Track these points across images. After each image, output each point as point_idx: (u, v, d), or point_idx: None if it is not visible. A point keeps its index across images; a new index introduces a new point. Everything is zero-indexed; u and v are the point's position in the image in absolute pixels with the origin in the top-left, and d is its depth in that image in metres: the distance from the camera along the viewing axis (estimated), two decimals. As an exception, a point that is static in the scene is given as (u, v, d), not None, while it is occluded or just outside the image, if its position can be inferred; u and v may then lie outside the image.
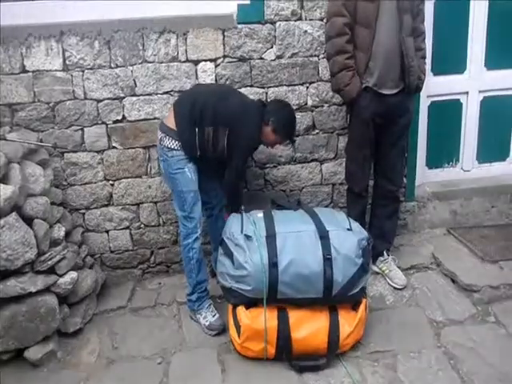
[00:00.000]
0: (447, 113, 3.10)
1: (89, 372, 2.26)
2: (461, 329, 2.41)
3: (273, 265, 2.11)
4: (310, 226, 2.23)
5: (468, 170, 3.22)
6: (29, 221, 2.28)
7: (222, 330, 2.42)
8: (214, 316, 2.47)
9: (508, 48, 3.04)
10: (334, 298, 2.16)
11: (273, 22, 2.67)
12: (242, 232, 2.22)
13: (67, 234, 2.55)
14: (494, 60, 3.05)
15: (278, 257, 2.12)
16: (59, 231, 2.43)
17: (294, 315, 2.18)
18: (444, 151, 3.18)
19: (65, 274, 2.37)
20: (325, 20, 2.58)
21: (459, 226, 3.10)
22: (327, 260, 2.13)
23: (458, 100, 3.12)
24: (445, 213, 3.11)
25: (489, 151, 3.20)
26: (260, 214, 2.35)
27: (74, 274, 2.40)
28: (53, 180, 2.59)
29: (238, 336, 2.20)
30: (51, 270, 2.33)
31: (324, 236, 2.18)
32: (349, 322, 2.20)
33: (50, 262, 2.31)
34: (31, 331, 2.25)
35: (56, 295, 2.33)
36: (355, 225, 2.32)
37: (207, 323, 2.45)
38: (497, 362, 2.17)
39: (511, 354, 2.21)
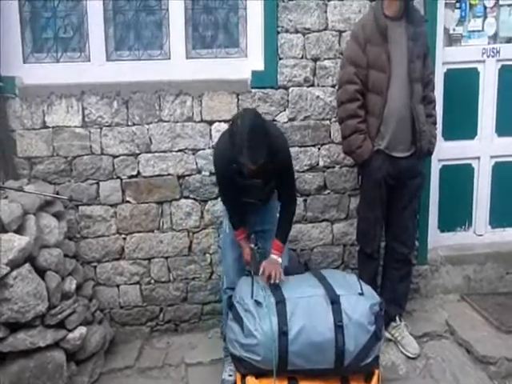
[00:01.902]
0: (459, 177, 3.12)
1: None
2: (477, 404, 2.30)
3: (283, 333, 2.04)
4: (319, 289, 2.18)
5: (481, 235, 3.18)
6: (41, 272, 2.29)
7: None
8: (229, 376, 2.41)
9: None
10: (346, 368, 2.08)
11: (286, 88, 2.76)
12: (252, 297, 2.17)
13: (78, 288, 2.55)
14: (505, 127, 3.09)
15: (288, 324, 2.06)
16: (71, 284, 2.43)
17: (305, 386, 2.09)
18: (456, 215, 3.16)
19: (74, 328, 2.34)
20: (337, 87, 2.67)
21: (473, 291, 3.03)
22: (338, 327, 2.06)
23: (470, 165, 3.14)
24: (458, 278, 3.05)
25: (502, 216, 3.18)
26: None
27: (83, 330, 2.36)
28: (67, 232, 2.62)
29: None
30: (60, 325, 2.30)
31: (335, 301, 2.12)
32: (361, 397, 2.11)
33: (60, 316, 2.29)
34: (38, 388, 2.21)
35: (64, 351, 2.29)
36: (366, 288, 2.26)
37: (222, 378, 2.43)
38: None
39: None
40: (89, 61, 2.72)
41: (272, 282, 2.19)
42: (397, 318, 2.70)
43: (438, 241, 3.14)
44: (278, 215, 2.38)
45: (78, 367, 2.39)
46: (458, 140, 3.07)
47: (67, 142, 2.70)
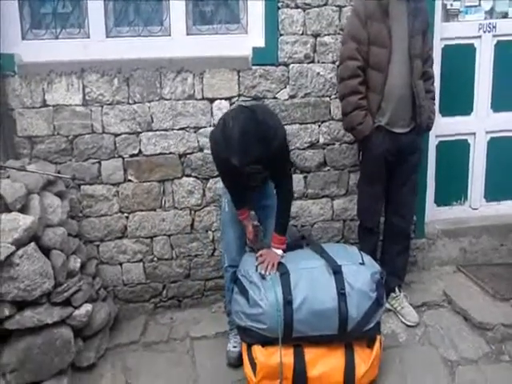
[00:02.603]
0: (455, 152, 3.17)
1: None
2: (475, 368, 2.40)
3: (287, 303, 2.12)
4: (321, 261, 2.25)
5: (476, 208, 3.26)
6: (46, 251, 2.29)
7: (234, 365, 2.42)
8: (234, 347, 2.47)
9: (513, 91, 3.15)
10: (349, 334, 2.16)
11: (286, 65, 2.77)
12: (256, 270, 2.23)
13: (82, 266, 2.55)
14: (500, 102, 3.13)
15: (292, 294, 2.13)
16: (75, 263, 2.45)
17: (309, 352, 2.17)
18: (452, 189, 3.23)
19: (80, 306, 2.36)
20: (337, 63, 2.69)
21: (469, 263, 3.12)
22: (341, 295, 2.14)
23: (466, 140, 3.19)
24: (454, 250, 3.13)
25: (496, 190, 3.25)
26: None
27: (89, 307, 2.39)
28: (69, 211, 2.62)
29: (254, 374, 2.18)
30: (67, 302, 2.32)
31: (337, 271, 2.20)
32: (364, 361, 2.19)
33: (66, 294, 2.30)
34: (46, 365, 2.23)
35: (71, 328, 2.31)
36: (367, 258, 2.35)
37: (227, 349, 2.48)
38: (515, 403, 2.16)
39: (529, 396, 2.20)
40: (88, 37, 2.68)
41: (266, 272, 2.22)
42: (396, 289, 2.77)
43: (435, 215, 3.20)
44: None
45: (84, 343, 2.42)
46: (454, 116, 3.12)
47: (68, 120, 2.68)
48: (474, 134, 3.17)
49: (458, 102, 3.10)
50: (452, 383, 2.32)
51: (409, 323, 2.67)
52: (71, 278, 2.38)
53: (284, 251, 2.34)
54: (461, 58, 3.04)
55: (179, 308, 2.95)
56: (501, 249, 3.14)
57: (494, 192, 3.25)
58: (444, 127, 3.08)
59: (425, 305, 2.82)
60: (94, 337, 2.48)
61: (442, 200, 3.23)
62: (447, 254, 3.13)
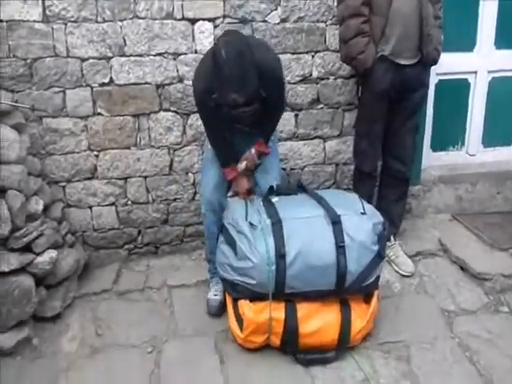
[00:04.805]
0: (455, 93, 2.95)
1: (69, 361, 2.00)
2: (474, 319, 2.26)
3: (280, 256, 1.87)
4: (319, 210, 2.00)
5: (473, 155, 3.08)
6: (1, 192, 2.02)
7: (214, 314, 2.23)
8: (215, 295, 2.27)
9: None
10: (347, 289, 1.95)
11: (279, -20, 2.44)
12: (246, 219, 1.97)
13: (45, 209, 2.30)
14: (504, 39, 2.90)
15: (285, 246, 1.89)
16: (37, 205, 2.18)
17: (302, 308, 1.96)
18: (450, 134, 3.03)
19: (43, 252, 2.13)
20: (337, -20, 2.37)
21: (464, 212, 2.97)
22: (340, 248, 1.90)
23: (466, 79, 2.97)
24: (450, 198, 2.96)
25: (495, 135, 3.07)
26: (261, 202, 2.10)
27: (53, 253, 2.14)
28: (29, 148, 2.32)
29: (241, 330, 1.97)
30: (27, 248, 2.08)
31: (336, 221, 1.94)
32: (361, 316, 2.01)
33: (25, 239, 2.05)
34: (3, 316, 1.99)
35: (32, 276, 2.07)
36: (368, 207, 2.10)
37: (207, 298, 2.28)
38: (515, 355, 2.04)
39: (529, 347, 2.08)
40: None
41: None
42: (391, 238, 2.60)
43: (430, 161, 3.02)
44: None
45: (48, 292, 2.20)
46: (456, 52, 2.87)
47: (25, 40, 2.31)
48: (476, 72, 2.94)
49: (461, 37, 2.85)
50: (450, 334, 2.18)
51: (404, 273, 2.51)
52: (32, 221, 2.13)
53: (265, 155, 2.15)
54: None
55: (156, 255, 2.73)
56: (498, 197, 2.99)
57: (491, 138, 3.06)
58: (445, 65, 2.83)
59: (420, 254, 2.66)
60: (60, 285, 2.25)
61: (438, 145, 3.03)
62: (443, 202, 2.96)
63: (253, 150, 2.14)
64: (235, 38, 1.84)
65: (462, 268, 2.55)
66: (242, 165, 2.15)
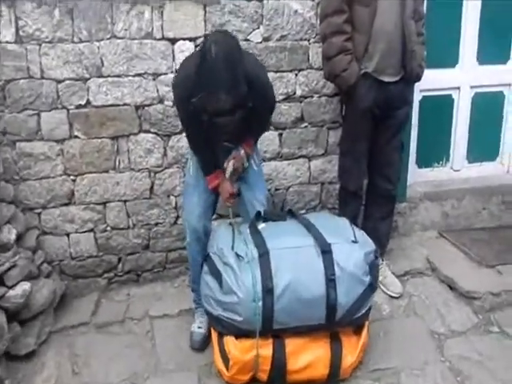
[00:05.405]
0: (438, 109, 2.94)
1: (44, 404, 1.89)
2: (464, 340, 2.23)
3: (267, 291, 1.78)
4: (308, 239, 1.90)
5: (458, 170, 3.07)
6: (-30, 221, 1.90)
7: (197, 349, 2.13)
8: (199, 328, 2.16)
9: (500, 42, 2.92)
10: (337, 322, 1.88)
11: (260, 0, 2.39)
12: (232, 249, 1.88)
13: (19, 238, 2.18)
14: (487, 54, 2.91)
15: (273, 280, 1.80)
16: (9, 234, 2.07)
17: (290, 343, 1.88)
18: (434, 150, 3.01)
19: (15, 285, 2.01)
20: (318, -2, 2.34)
21: (450, 228, 2.94)
22: (330, 281, 1.82)
23: (450, 95, 2.96)
24: (436, 215, 2.93)
25: (479, 151, 3.06)
26: (247, 229, 2.01)
27: (26, 286, 2.03)
28: (2, 173, 2.22)
29: (227, 369, 1.88)
30: (-1, 281, 1.95)
31: (326, 251, 1.86)
32: (351, 351, 1.94)
33: (-4, 272, 1.93)
34: (-28, 356, 1.87)
35: (4, 311, 1.95)
36: (360, 234, 2.02)
37: (191, 330, 2.18)
38: (508, 378, 1.99)
39: (522, 368, 2.04)
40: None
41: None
42: (379, 258, 2.55)
43: (415, 177, 2.99)
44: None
45: (22, 328, 2.08)
46: (439, 68, 2.86)
47: (-3, 61, 2.22)
48: (459, 88, 2.93)
49: (444, 53, 2.84)
50: (440, 358, 2.13)
51: (393, 294, 2.46)
52: (4, 252, 2.02)
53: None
54: (447, 7, 2.77)
55: (137, 283, 2.62)
56: (483, 212, 2.97)
57: (476, 153, 3.06)
58: (429, 81, 2.81)
59: (408, 273, 2.62)
60: (35, 319, 2.13)
61: (423, 161, 3.01)
62: (429, 219, 2.93)
63: (241, 150, 2.03)
64: (225, 38, 1.77)
65: (450, 287, 2.51)
66: (230, 164, 2.02)
